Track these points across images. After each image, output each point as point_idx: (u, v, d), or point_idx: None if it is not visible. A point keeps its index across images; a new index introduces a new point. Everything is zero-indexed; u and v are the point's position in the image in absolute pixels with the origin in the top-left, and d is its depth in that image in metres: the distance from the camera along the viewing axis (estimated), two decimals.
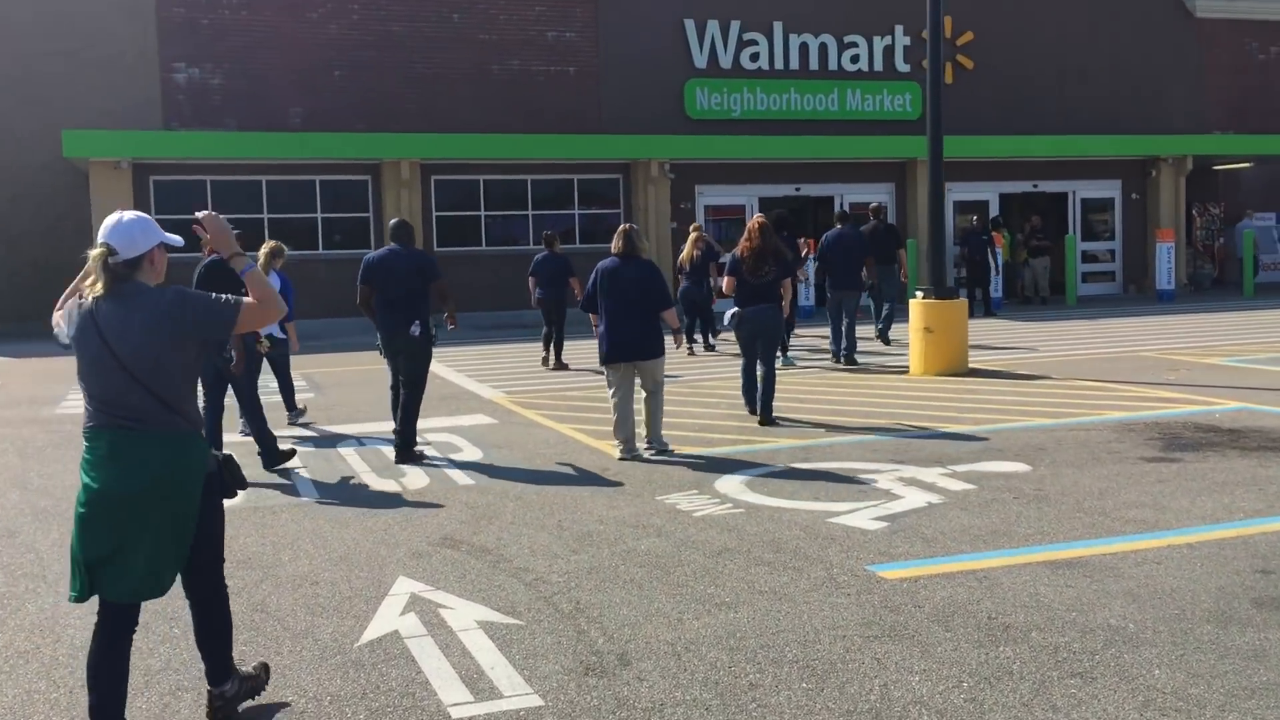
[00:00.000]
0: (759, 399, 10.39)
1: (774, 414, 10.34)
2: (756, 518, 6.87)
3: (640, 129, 24.15)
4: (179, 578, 4.06)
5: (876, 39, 26.27)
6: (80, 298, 3.92)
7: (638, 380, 9.06)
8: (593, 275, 9.09)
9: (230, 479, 4.12)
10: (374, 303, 9.14)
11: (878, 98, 26.31)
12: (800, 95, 25.77)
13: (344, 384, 14.52)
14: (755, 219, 10.57)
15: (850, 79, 26.11)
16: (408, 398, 9.05)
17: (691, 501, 7.39)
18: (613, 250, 9.15)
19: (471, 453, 9.50)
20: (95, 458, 3.85)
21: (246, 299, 3.93)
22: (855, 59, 26.15)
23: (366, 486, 8.26)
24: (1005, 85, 26.83)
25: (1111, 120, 27.20)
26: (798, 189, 25.72)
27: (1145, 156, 27.06)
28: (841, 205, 25.75)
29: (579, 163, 24.01)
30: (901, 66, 26.49)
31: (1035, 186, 27.15)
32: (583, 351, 16.18)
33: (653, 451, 8.98)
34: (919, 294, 13.67)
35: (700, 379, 13.78)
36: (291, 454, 8.99)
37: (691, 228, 17.51)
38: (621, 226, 9.36)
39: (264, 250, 11.01)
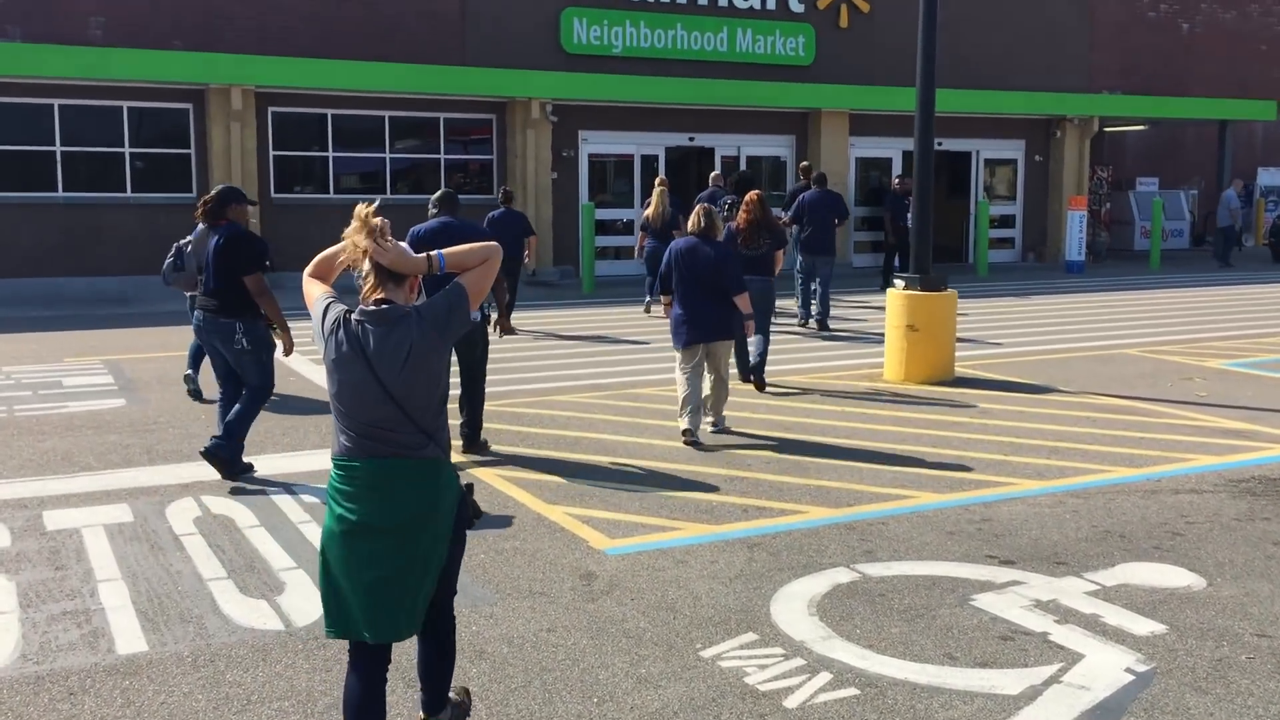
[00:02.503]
0: (752, 366, 10.70)
1: (765, 380, 10.74)
2: (888, 713, 4.30)
3: (509, 62, 21.00)
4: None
5: None
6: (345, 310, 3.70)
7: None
8: (667, 255, 8.83)
9: (472, 508, 3.93)
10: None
11: (769, 39, 23.75)
12: (687, 33, 22.98)
13: (163, 381, 11.16)
14: (750, 195, 10.70)
15: (741, 17, 23.47)
16: (471, 390, 8.20)
17: (758, 662, 4.74)
18: (690, 230, 8.83)
19: None
20: (354, 489, 3.67)
21: (463, 279, 3.78)
22: None
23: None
24: (899, 33, 24.64)
25: (1002, 76, 25.39)
26: (691, 139, 23.01)
27: (1049, 116, 25.43)
28: (739, 158, 23.29)
29: (445, 99, 20.68)
30: (795, 6, 23.98)
31: (940, 145, 25.16)
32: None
33: (715, 430, 8.87)
34: (898, 283, 11.26)
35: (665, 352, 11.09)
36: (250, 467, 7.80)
37: (657, 182, 16.37)
38: (700, 205, 8.97)
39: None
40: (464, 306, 3.73)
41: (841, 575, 5.77)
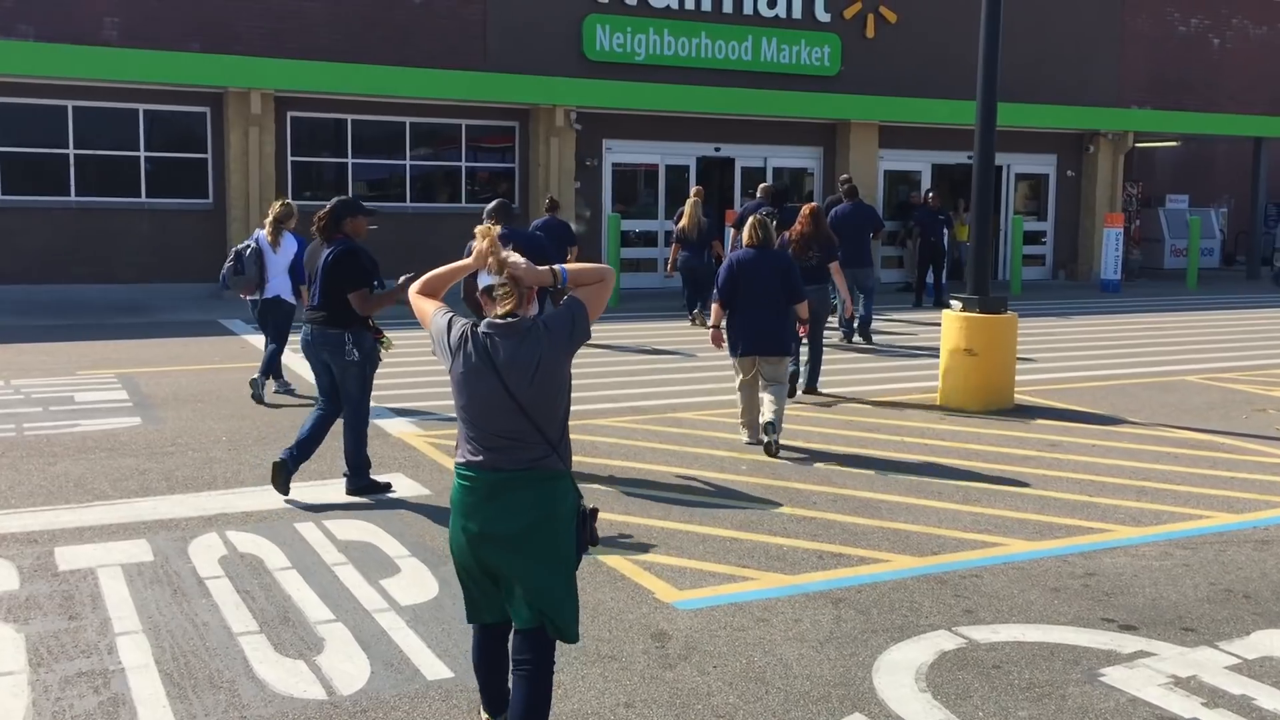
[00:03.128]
0: (805, 377, 10.95)
1: (819, 389, 11.03)
2: None
3: (531, 69, 20.45)
4: (512, 639, 3.92)
5: None
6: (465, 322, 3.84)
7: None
8: (728, 265, 8.78)
9: (590, 533, 3.88)
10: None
11: (795, 49, 23.19)
12: (711, 41, 22.43)
13: (180, 398, 10.58)
14: (808, 207, 10.95)
15: (767, 26, 22.91)
16: None
17: None
18: (745, 242, 8.82)
19: (408, 585, 6.00)
20: (475, 498, 3.78)
21: (581, 294, 3.82)
22: (773, 3, 22.95)
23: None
24: (929, 44, 24.12)
25: (1032, 89, 24.78)
26: (717, 149, 22.43)
27: (1082, 130, 24.84)
28: (766, 169, 22.74)
29: (467, 105, 20.13)
30: (822, 15, 23.42)
31: (970, 158, 24.55)
32: None
33: (770, 439, 8.57)
34: (954, 304, 10.67)
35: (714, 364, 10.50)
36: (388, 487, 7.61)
37: (693, 192, 16.39)
38: (755, 216, 9.02)
39: (273, 212, 10.51)
40: (585, 321, 3.80)
41: (945, 641, 5.18)
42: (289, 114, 19.15)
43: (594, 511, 3.91)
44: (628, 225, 21.40)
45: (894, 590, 5.81)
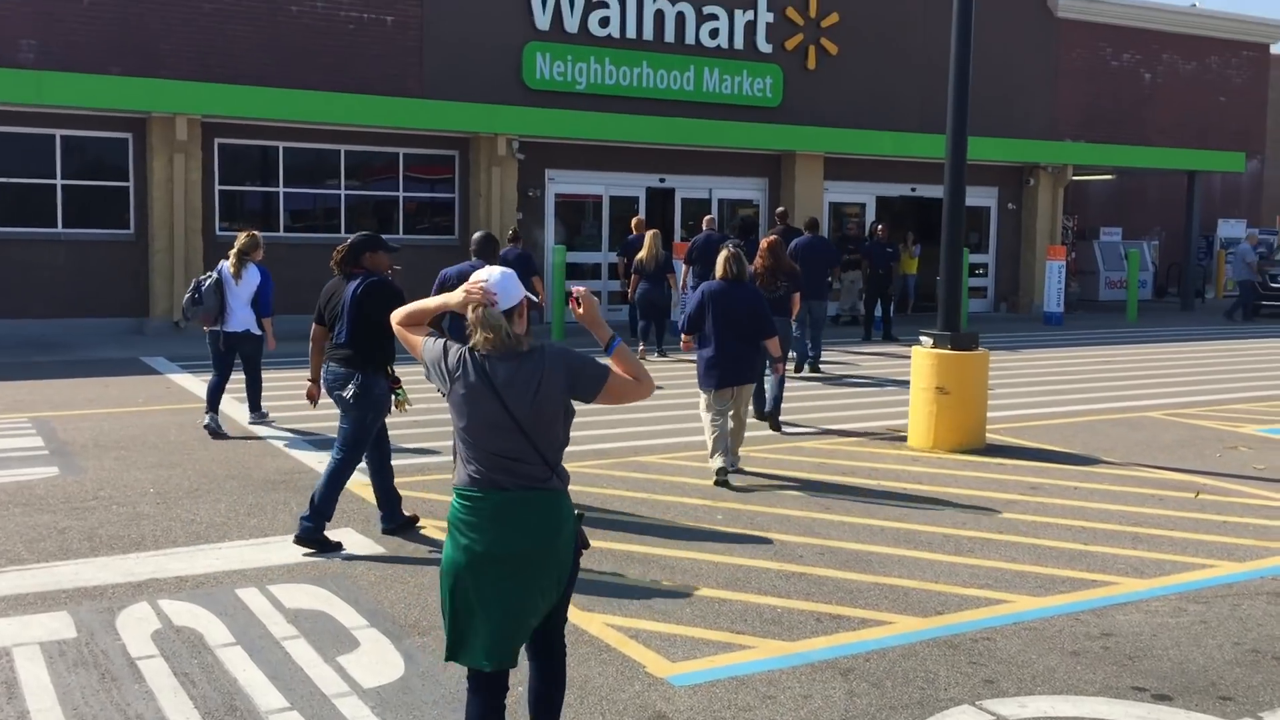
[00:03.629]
0: (769, 408, 10.93)
1: (780, 421, 10.98)
2: None
3: (470, 97, 19.92)
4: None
5: (738, 12, 22.89)
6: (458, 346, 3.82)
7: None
8: (698, 298, 8.80)
9: (580, 537, 3.90)
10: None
11: (737, 79, 22.96)
12: (653, 71, 22.11)
13: (102, 444, 9.80)
14: (766, 239, 10.89)
15: (709, 56, 22.65)
16: None
17: None
18: (719, 274, 8.79)
19: (370, 663, 5.38)
20: (478, 519, 3.73)
21: (615, 368, 3.83)
22: (714, 33, 22.71)
23: None
24: (869, 77, 24.07)
25: (972, 122, 24.83)
26: (662, 180, 22.06)
27: (1024, 163, 24.91)
28: (711, 201, 22.42)
29: (405, 133, 19.51)
30: (764, 46, 23.24)
31: (913, 190, 24.54)
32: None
33: (732, 470, 8.78)
34: (925, 340, 10.31)
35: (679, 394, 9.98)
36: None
37: (635, 223, 17.15)
38: (728, 249, 8.89)
39: (238, 243, 10.42)
40: (596, 383, 3.80)
41: (971, 718, 4.70)
42: (217, 141, 18.38)
43: (579, 515, 3.92)
44: (576, 259, 20.89)
45: (904, 658, 5.33)
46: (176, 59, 18.06)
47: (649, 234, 16.00)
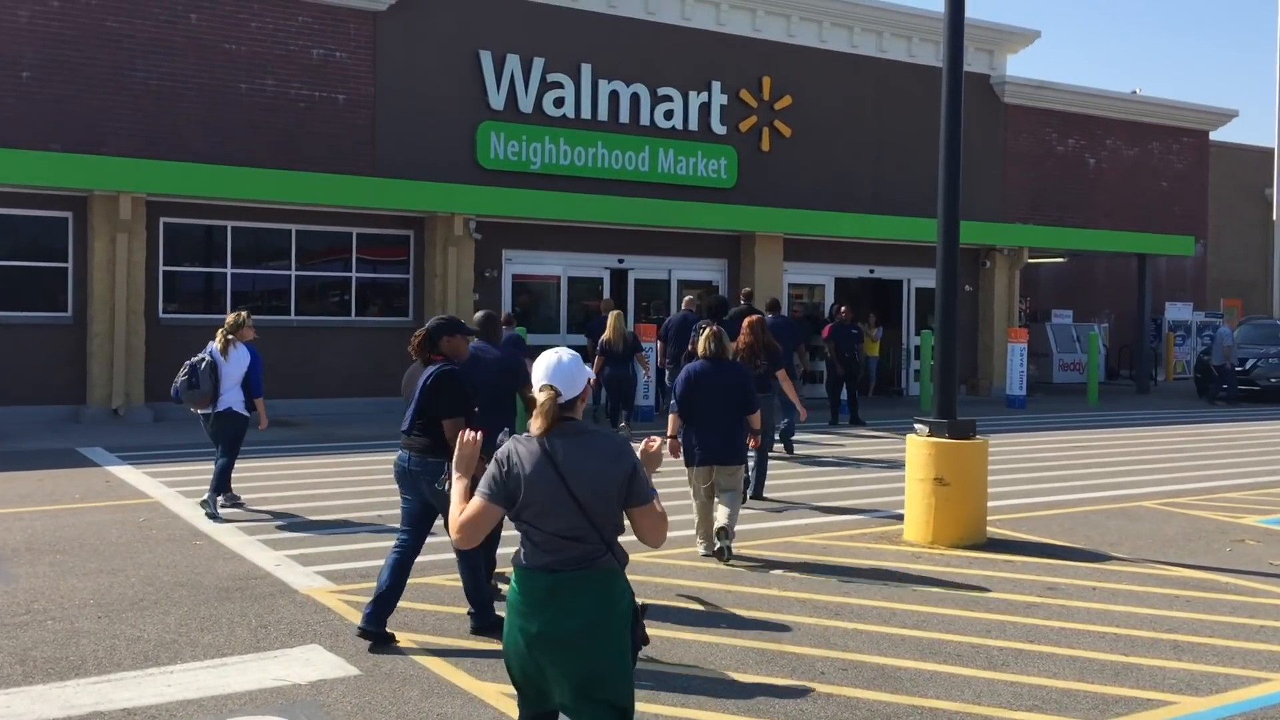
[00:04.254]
0: (753, 485, 11.25)
1: (764, 494, 11.51)
2: None
3: (422, 176, 19.44)
4: None
5: (692, 94, 22.78)
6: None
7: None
8: (685, 377, 8.85)
9: (641, 631, 3.85)
10: None
11: (691, 160, 22.78)
12: (608, 151, 21.84)
13: (35, 547, 8.93)
14: (749, 320, 10.86)
15: (664, 137, 22.45)
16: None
17: None
18: (700, 353, 8.88)
19: None
20: (534, 600, 3.75)
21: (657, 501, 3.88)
22: (669, 115, 22.54)
23: None
24: (823, 159, 24.03)
25: (919, 204, 24.85)
26: (621, 260, 21.66)
27: (979, 245, 24.90)
28: (670, 282, 22.03)
29: (358, 212, 18.93)
30: (718, 128, 23.13)
31: (872, 272, 24.37)
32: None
33: (727, 543, 8.63)
34: (918, 428, 9.81)
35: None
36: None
37: (604, 304, 17.62)
38: (709, 328, 9.02)
39: (227, 322, 10.37)
40: (644, 496, 3.82)
41: None
42: (162, 220, 17.66)
43: (644, 608, 3.89)
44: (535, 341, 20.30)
45: None
46: (120, 136, 17.39)
47: (611, 315, 15.94)
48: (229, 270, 18.33)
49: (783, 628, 7.09)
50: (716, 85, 23.12)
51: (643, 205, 20.80)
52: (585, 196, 20.38)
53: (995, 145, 27.04)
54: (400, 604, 7.49)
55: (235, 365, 10.20)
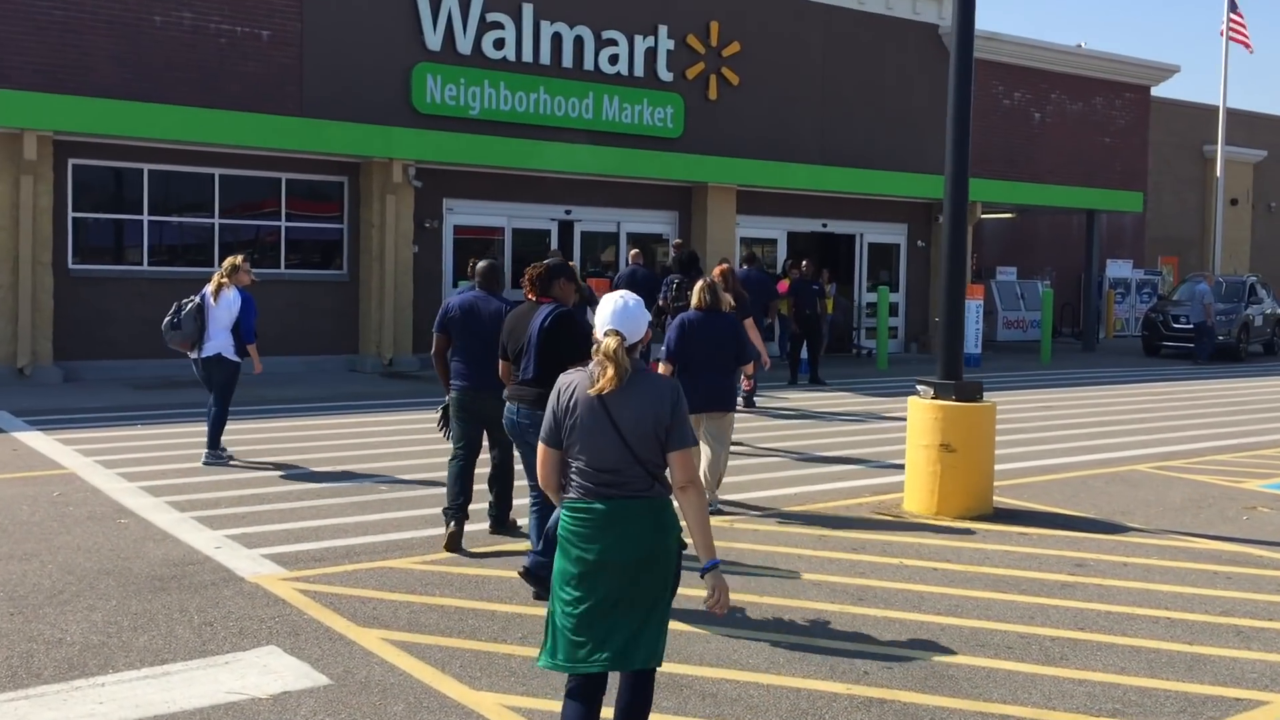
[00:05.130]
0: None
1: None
2: None
3: (354, 118, 18.17)
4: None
5: (638, 38, 21.71)
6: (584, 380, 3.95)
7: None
8: (677, 326, 8.75)
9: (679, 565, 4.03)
10: (448, 356, 7.73)
11: (637, 108, 21.71)
12: (550, 98, 20.67)
13: None
14: (720, 269, 10.56)
15: (608, 83, 21.37)
16: (501, 469, 7.83)
17: None
18: (694, 305, 8.77)
19: None
20: (589, 529, 3.88)
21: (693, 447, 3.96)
22: (614, 60, 21.45)
23: None
24: (772, 108, 23.15)
25: (868, 157, 24.17)
26: (568, 212, 20.61)
27: (932, 200, 24.27)
28: (619, 235, 21.07)
29: (288, 156, 17.62)
30: (664, 75, 22.07)
31: (824, 226, 23.62)
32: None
33: (710, 510, 7.57)
34: (921, 389, 9.06)
35: None
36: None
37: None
38: (705, 280, 8.92)
39: (225, 265, 10.28)
40: (684, 438, 3.89)
41: None
42: (70, 161, 16.19)
43: (685, 545, 4.03)
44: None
45: None
46: (23, 71, 15.86)
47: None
48: (145, 218, 16.91)
49: (805, 616, 6.29)
50: (663, 29, 22.05)
51: (591, 153, 19.77)
52: (531, 143, 19.29)
53: (942, 98, 26.35)
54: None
55: (224, 309, 9.96)
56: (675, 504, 3.91)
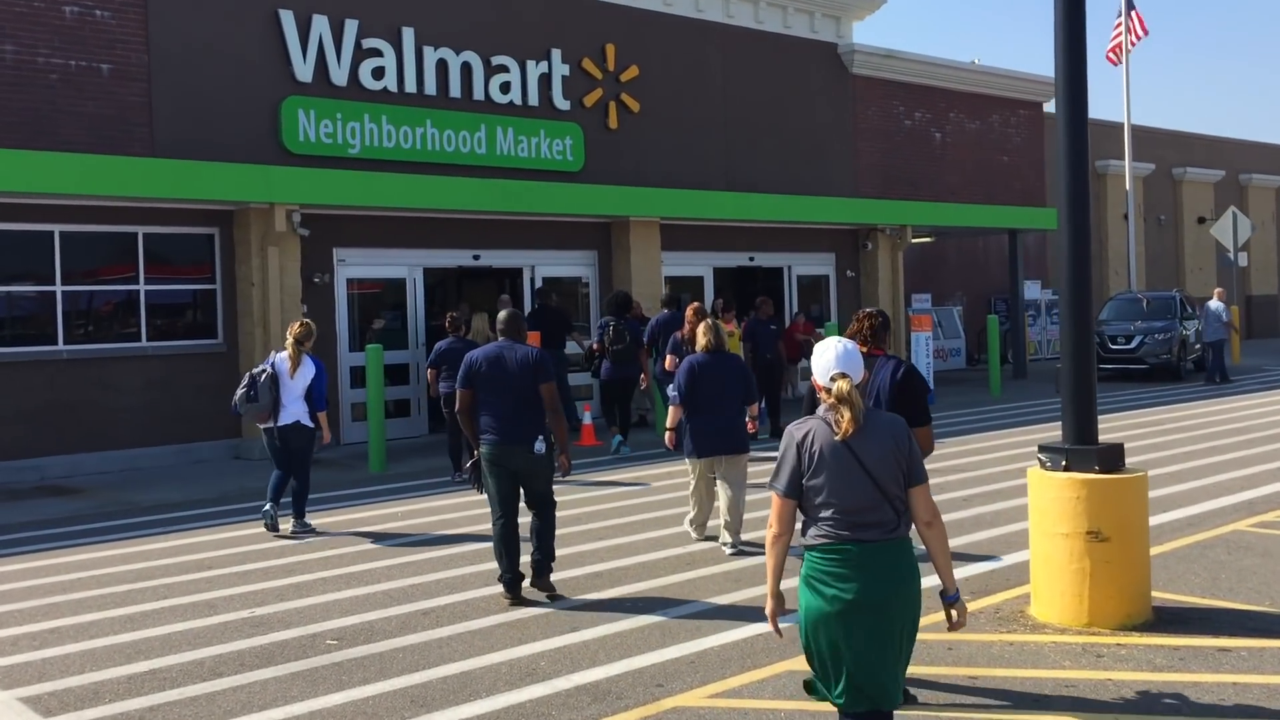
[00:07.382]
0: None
1: None
2: None
3: (213, 158, 15.40)
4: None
5: (530, 64, 19.45)
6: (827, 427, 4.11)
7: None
8: (687, 370, 8.90)
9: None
10: (474, 412, 7.65)
11: (534, 140, 19.42)
12: (439, 131, 18.20)
13: None
14: (690, 307, 11.21)
15: (501, 114, 19.03)
16: (544, 518, 7.72)
17: None
18: (701, 346, 8.99)
19: None
20: (846, 569, 4.02)
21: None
22: (506, 87, 19.13)
23: None
24: (675, 135, 21.17)
25: (779, 181, 22.43)
26: (476, 257, 18.10)
27: (858, 226, 22.57)
28: (534, 279, 18.68)
29: (142, 206, 14.69)
30: (561, 103, 19.85)
31: (752, 260, 21.63)
32: None
33: (732, 550, 8.80)
34: (1046, 459, 6.91)
35: None
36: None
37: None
38: (707, 320, 9.28)
39: (293, 332, 10.11)
40: (919, 475, 4.16)
41: None
42: None
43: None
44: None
45: None
46: None
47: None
48: None
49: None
50: (557, 54, 19.83)
51: (494, 188, 17.39)
52: (430, 178, 16.82)
53: (846, 120, 24.85)
54: None
55: (301, 379, 9.96)
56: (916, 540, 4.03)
